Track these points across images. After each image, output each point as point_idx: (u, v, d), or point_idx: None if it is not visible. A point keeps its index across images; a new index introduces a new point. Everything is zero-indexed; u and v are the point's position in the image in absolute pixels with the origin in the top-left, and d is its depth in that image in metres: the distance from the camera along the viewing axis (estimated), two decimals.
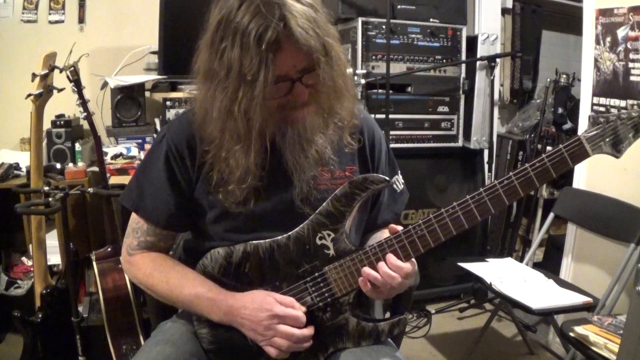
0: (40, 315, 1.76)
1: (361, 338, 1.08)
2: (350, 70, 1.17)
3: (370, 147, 1.18)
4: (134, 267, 1.14)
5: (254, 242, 1.07)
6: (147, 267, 1.12)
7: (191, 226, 1.17)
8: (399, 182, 1.25)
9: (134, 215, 1.14)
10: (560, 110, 2.94)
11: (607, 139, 0.95)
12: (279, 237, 1.07)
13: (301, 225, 1.06)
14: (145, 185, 1.12)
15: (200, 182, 1.10)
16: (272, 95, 0.98)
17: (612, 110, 2.04)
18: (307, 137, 1.04)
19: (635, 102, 1.93)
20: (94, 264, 1.84)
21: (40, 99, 1.71)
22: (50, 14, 2.68)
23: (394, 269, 0.99)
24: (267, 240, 1.07)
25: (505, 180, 0.97)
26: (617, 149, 0.96)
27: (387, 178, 1.07)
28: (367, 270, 1.01)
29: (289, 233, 1.07)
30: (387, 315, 1.32)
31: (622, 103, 1.99)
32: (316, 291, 1.06)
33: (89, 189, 1.85)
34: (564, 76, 2.92)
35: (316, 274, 1.06)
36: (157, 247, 1.14)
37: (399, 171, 1.26)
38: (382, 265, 1.00)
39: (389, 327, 1.08)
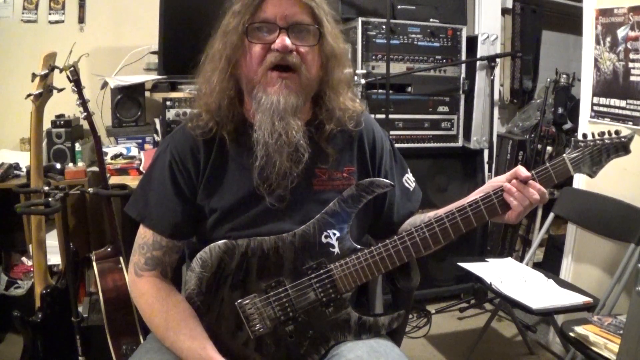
0: (40, 315, 1.75)
1: (362, 332, 1.11)
2: (349, 70, 1.18)
3: (370, 148, 1.19)
4: (139, 291, 1.13)
5: (258, 238, 1.08)
6: (150, 296, 1.11)
7: (193, 234, 1.17)
8: (410, 180, 1.26)
9: (139, 231, 1.15)
10: (560, 110, 2.94)
11: (587, 161, 1.08)
12: (284, 235, 1.08)
13: (307, 224, 1.08)
14: (150, 195, 1.13)
15: (202, 188, 1.11)
16: (255, 37, 1.03)
17: (612, 110, 2.04)
18: (278, 110, 1.03)
19: (634, 101, 1.94)
20: (94, 264, 1.84)
21: (40, 99, 1.71)
22: (50, 14, 2.67)
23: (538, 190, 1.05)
24: (272, 236, 1.08)
25: (493, 193, 1.07)
26: (592, 169, 1.09)
27: (392, 183, 1.12)
28: (537, 185, 1.05)
29: (295, 230, 1.08)
30: None
31: (622, 103, 1.99)
32: (320, 287, 1.07)
33: (89, 189, 1.85)
34: (564, 76, 2.93)
35: (321, 270, 1.08)
36: (163, 263, 1.14)
37: (409, 170, 1.27)
38: (534, 183, 1.05)
39: (389, 321, 1.12)
